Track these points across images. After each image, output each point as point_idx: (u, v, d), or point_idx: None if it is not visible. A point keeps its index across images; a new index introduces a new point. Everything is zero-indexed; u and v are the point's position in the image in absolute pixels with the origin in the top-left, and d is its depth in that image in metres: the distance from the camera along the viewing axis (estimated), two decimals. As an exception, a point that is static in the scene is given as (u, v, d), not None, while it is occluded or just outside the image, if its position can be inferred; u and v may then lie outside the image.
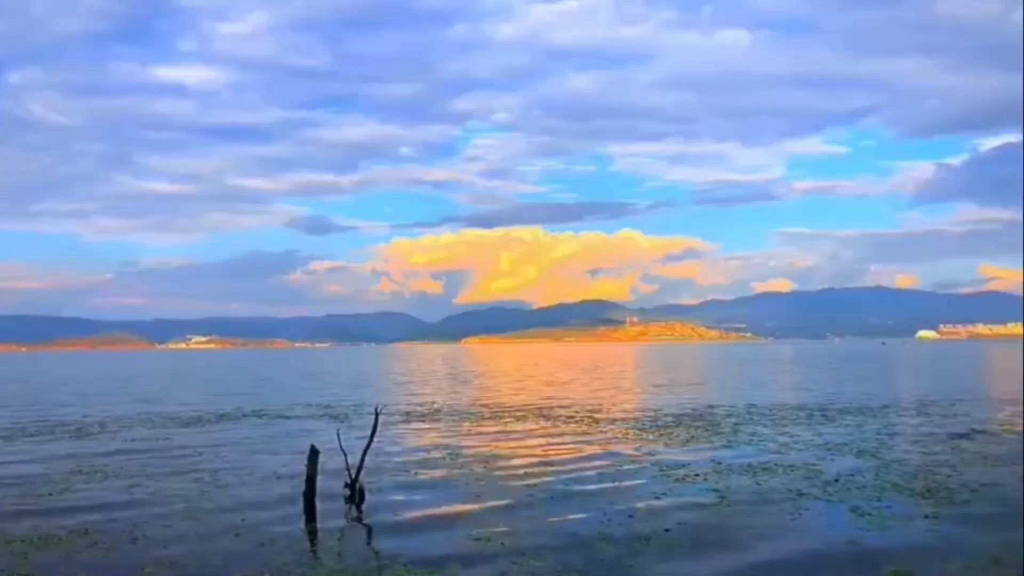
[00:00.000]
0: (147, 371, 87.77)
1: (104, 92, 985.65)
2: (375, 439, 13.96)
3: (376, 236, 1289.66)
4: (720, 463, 16.67)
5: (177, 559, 10.01)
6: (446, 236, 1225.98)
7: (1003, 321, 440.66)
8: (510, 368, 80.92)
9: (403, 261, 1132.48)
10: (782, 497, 13.24)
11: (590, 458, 17.91)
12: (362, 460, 13.27)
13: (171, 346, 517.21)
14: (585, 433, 22.51)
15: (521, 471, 16.31)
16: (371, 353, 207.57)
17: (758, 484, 14.39)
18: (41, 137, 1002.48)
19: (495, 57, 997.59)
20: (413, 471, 16.27)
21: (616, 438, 21.24)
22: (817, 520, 11.77)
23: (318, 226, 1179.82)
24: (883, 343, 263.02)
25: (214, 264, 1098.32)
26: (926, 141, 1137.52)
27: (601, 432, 22.63)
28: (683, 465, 16.50)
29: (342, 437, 13.59)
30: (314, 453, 12.92)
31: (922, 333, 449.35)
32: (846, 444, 19.24)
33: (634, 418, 26.28)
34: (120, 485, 15.17)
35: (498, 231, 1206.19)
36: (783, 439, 20.30)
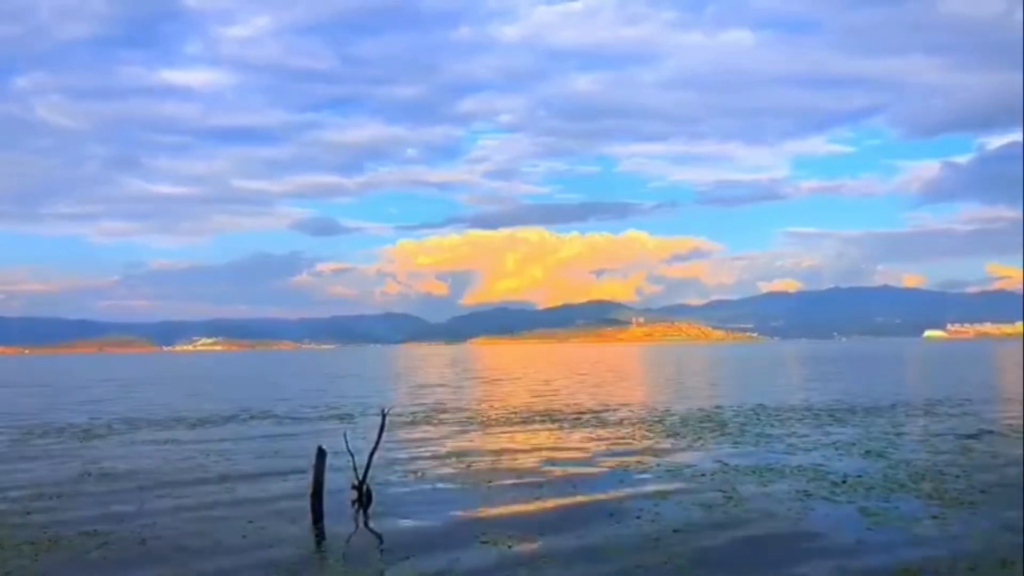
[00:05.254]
0: (153, 373, 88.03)
1: (110, 95, 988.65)
2: (382, 441, 13.99)
3: (381, 237, 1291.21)
4: (727, 463, 16.65)
5: (185, 560, 10.05)
6: (451, 237, 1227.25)
7: (1011, 320, 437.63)
8: (515, 369, 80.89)
9: (408, 262, 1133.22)
10: (789, 497, 13.22)
11: (597, 459, 17.90)
12: (369, 462, 13.30)
13: (177, 348, 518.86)
14: (592, 434, 22.49)
15: (528, 472, 16.32)
16: (377, 354, 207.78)
17: (765, 485, 14.37)
18: (47, 140, 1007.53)
19: (499, 58, 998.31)
20: (420, 473, 16.28)
21: (623, 439, 21.22)
22: (824, 520, 11.74)
23: (323, 228, 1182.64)
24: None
25: (219, 266, 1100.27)
26: (931, 140, 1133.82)
27: (608, 433, 22.60)
28: (690, 465, 16.49)
29: (349, 439, 13.62)
30: (321, 454, 12.96)
31: (929, 332, 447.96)
32: (853, 444, 19.19)
33: (641, 418, 26.25)
34: (128, 487, 15.22)
35: (503, 232, 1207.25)
36: (790, 439, 20.25)
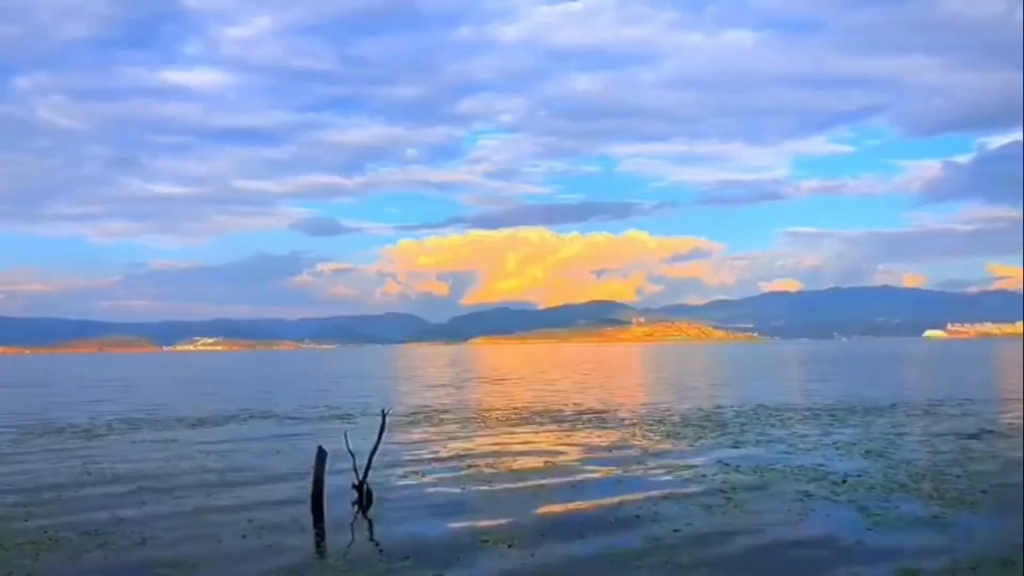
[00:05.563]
0: (153, 373, 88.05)
1: (111, 96, 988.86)
2: (382, 441, 13.99)
3: (382, 237, 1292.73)
4: (727, 463, 16.64)
5: (185, 560, 10.04)
6: (452, 237, 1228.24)
7: (1011, 320, 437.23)
8: (515, 369, 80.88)
9: (409, 262, 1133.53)
10: (790, 497, 13.21)
11: (598, 459, 17.90)
12: (369, 461, 13.29)
13: (178, 348, 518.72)
14: (593, 434, 22.50)
15: (529, 472, 16.30)
16: (377, 354, 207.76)
17: (765, 484, 14.36)
18: (49, 141, 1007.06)
19: (499, 59, 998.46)
20: (421, 472, 16.28)
21: (624, 439, 21.21)
22: (825, 520, 11.74)
23: (324, 228, 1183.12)
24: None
25: (220, 266, 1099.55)
26: (931, 140, 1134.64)
27: (609, 433, 22.61)
28: (691, 465, 16.49)
29: (349, 439, 13.61)
30: (322, 454, 12.97)
31: (930, 332, 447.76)
32: (854, 444, 19.18)
33: (641, 419, 26.24)
34: (128, 487, 15.22)
35: (504, 232, 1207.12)
36: (791, 439, 20.25)
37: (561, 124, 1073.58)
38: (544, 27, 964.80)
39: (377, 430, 13.95)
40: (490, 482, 15.25)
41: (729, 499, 13.18)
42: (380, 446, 13.81)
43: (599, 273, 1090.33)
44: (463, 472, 16.40)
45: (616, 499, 13.43)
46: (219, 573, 9.69)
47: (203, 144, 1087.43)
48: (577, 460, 17.82)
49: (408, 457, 18.33)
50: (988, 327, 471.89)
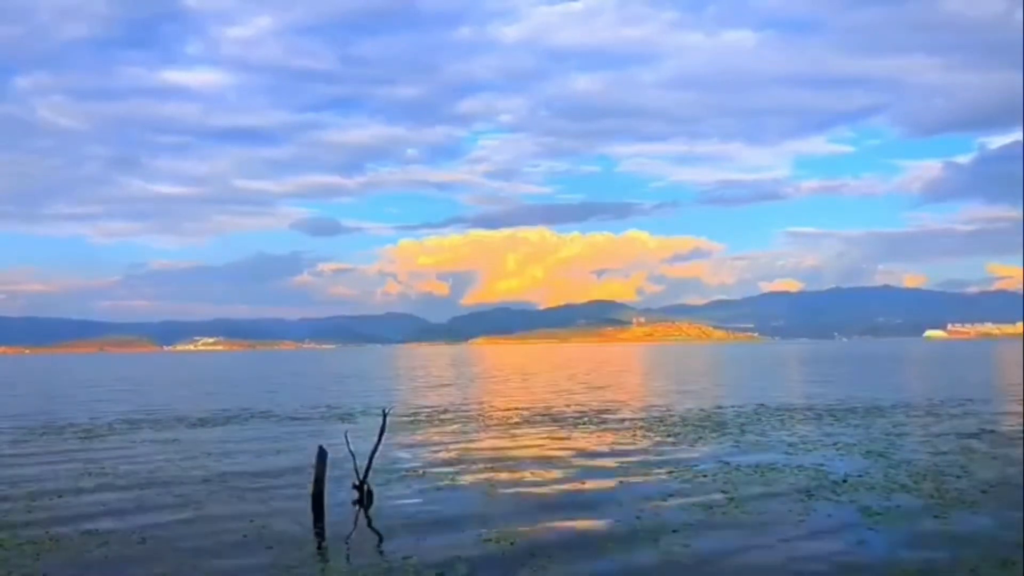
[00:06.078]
0: (154, 373, 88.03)
1: (111, 96, 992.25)
2: (383, 441, 13.99)
3: (382, 237, 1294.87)
4: (728, 463, 16.64)
5: (185, 560, 10.05)
6: (452, 237, 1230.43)
7: (1011, 320, 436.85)
8: (516, 369, 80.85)
9: (409, 262, 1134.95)
10: (790, 498, 13.21)
11: (598, 459, 17.90)
12: (370, 461, 13.31)
13: (178, 348, 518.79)
14: (593, 434, 22.50)
15: (529, 472, 16.32)
16: (378, 354, 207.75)
17: (766, 484, 14.36)
18: (49, 141, 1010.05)
19: (500, 59, 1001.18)
20: (421, 472, 16.28)
21: (624, 439, 21.22)
22: (826, 521, 11.74)
23: (324, 228, 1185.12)
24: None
25: (221, 266, 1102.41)
26: (931, 140, 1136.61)
27: (609, 433, 22.61)
28: (691, 466, 16.49)
29: (350, 439, 13.62)
30: (322, 454, 12.98)
31: (930, 332, 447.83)
32: (855, 444, 19.18)
33: (642, 419, 26.24)
34: (129, 487, 15.22)
35: (504, 232, 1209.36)
36: (791, 439, 20.25)
37: (561, 124, 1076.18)
38: (544, 27, 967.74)
39: (378, 430, 13.97)
40: (491, 482, 15.25)
41: (730, 499, 13.18)
42: (381, 446, 13.83)
43: (599, 273, 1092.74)
44: (464, 471, 16.39)
45: (616, 498, 13.43)
46: (219, 572, 9.70)
47: (203, 144, 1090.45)
48: (578, 461, 17.81)
49: (409, 457, 18.33)
50: (988, 327, 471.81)
